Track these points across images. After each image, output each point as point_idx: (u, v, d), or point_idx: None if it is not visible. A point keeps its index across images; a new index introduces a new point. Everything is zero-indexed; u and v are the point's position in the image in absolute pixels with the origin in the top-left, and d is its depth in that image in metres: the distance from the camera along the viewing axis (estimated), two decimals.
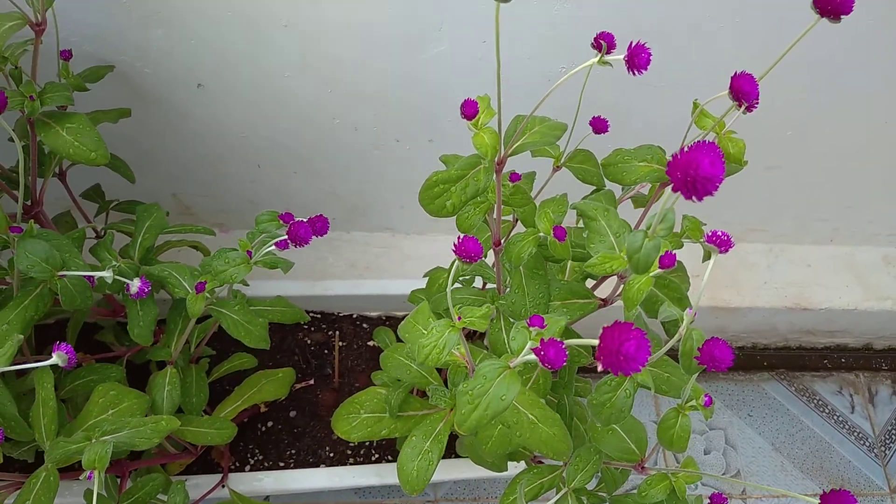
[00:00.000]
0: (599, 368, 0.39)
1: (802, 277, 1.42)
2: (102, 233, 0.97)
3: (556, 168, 0.86)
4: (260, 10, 0.89)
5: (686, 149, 0.40)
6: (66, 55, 0.85)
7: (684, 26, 0.97)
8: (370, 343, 1.24)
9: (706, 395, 0.64)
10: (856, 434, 1.49)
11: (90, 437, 0.71)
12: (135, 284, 0.73)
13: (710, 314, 1.40)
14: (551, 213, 0.67)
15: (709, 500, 0.79)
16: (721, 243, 0.55)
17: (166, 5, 0.88)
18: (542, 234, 0.67)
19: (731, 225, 1.38)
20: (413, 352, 0.65)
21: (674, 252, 0.57)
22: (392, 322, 1.26)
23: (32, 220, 0.72)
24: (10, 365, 0.64)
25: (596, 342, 0.40)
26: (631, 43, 0.57)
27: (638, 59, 0.55)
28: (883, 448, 1.48)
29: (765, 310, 1.40)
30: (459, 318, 0.59)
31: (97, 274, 0.71)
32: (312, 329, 1.23)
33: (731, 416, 1.48)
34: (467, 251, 0.53)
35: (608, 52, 0.77)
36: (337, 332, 1.22)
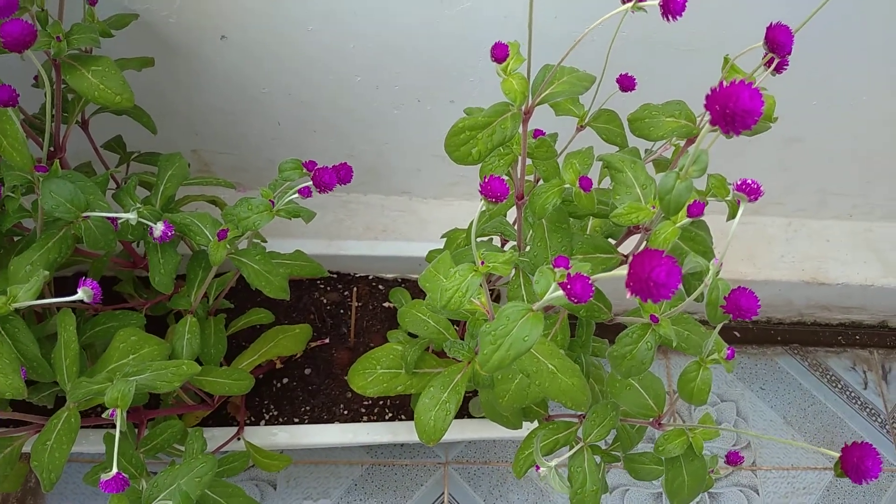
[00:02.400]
0: (629, 296, 0.39)
1: (820, 252, 1.41)
2: (124, 182, 0.97)
3: (581, 127, 0.85)
4: None
5: (714, 89, 0.40)
6: (92, 0, 0.85)
7: None
8: (385, 304, 1.24)
9: (729, 348, 0.64)
10: (868, 410, 1.49)
11: (112, 378, 0.72)
12: (158, 228, 0.73)
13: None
14: (577, 164, 0.66)
15: (725, 458, 0.80)
16: (751, 191, 0.54)
17: None
18: (567, 185, 0.67)
19: None
20: (434, 299, 0.65)
21: (703, 201, 0.56)
22: (408, 284, 1.26)
23: (58, 161, 0.72)
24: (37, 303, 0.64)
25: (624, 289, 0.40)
26: None
27: (674, 3, 0.55)
28: (895, 424, 1.48)
29: (781, 283, 1.39)
30: (483, 263, 0.59)
31: (121, 216, 0.71)
32: (328, 289, 1.24)
33: (743, 389, 1.48)
34: (493, 190, 0.53)
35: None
36: (354, 292, 1.22)
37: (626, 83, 0.80)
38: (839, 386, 1.51)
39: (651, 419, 0.75)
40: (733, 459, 0.77)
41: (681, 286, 0.68)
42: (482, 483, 1.34)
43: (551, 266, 0.52)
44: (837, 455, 0.59)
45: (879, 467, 0.57)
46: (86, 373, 0.79)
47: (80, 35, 0.75)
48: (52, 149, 0.87)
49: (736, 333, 1.54)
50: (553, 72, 0.65)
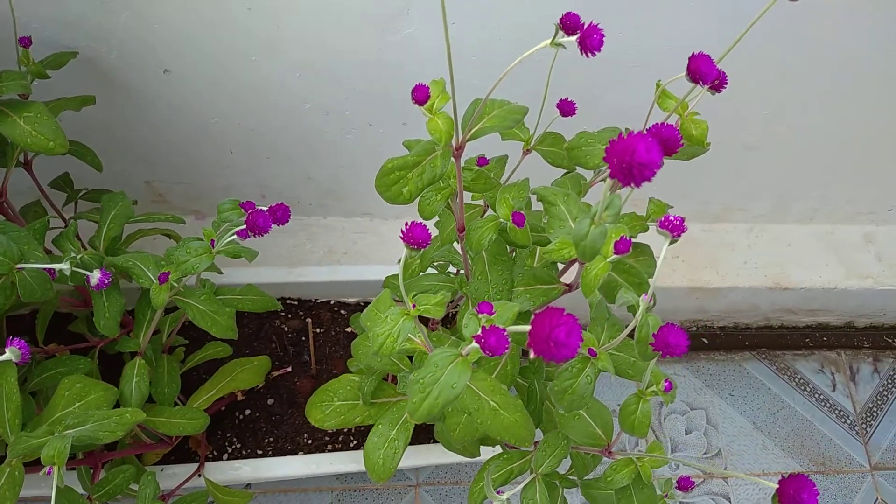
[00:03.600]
0: (531, 356, 0.38)
1: (783, 257, 1.41)
2: (66, 225, 0.96)
3: (527, 151, 0.85)
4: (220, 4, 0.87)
5: (622, 136, 0.40)
6: (25, 42, 0.84)
7: (658, 3, 0.95)
8: (348, 329, 1.24)
9: (666, 381, 0.63)
10: (837, 412, 1.50)
11: (53, 431, 0.71)
12: (95, 276, 0.72)
13: (690, 295, 1.40)
14: (511, 199, 0.66)
15: (676, 484, 0.80)
16: (673, 228, 0.54)
17: None
18: (502, 220, 0.67)
19: (711, 204, 1.37)
20: (372, 341, 0.64)
21: (629, 238, 0.56)
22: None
23: None
24: None
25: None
26: (582, 24, 0.56)
27: (590, 40, 0.54)
28: (864, 426, 1.49)
29: (745, 290, 1.40)
30: (414, 306, 0.59)
31: (56, 266, 0.70)
32: (290, 316, 1.23)
33: (712, 396, 1.48)
34: (414, 237, 0.52)
35: (569, 34, 0.76)
36: (311, 320, 1.21)
37: (565, 108, 0.80)
38: (808, 389, 1.51)
39: (601, 448, 0.75)
40: (684, 485, 0.77)
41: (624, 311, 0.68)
42: (453, 503, 1.33)
43: (475, 312, 0.52)
44: (775, 487, 0.59)
45: (816, 500, 0.57)
46: (31, 423, 0.78)
47: (9, 82, 0.74)
48: None
49: (704, 340, 1.54)
50: (482, 106, 0.65)
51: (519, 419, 0.66)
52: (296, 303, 1.24)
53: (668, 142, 0.60)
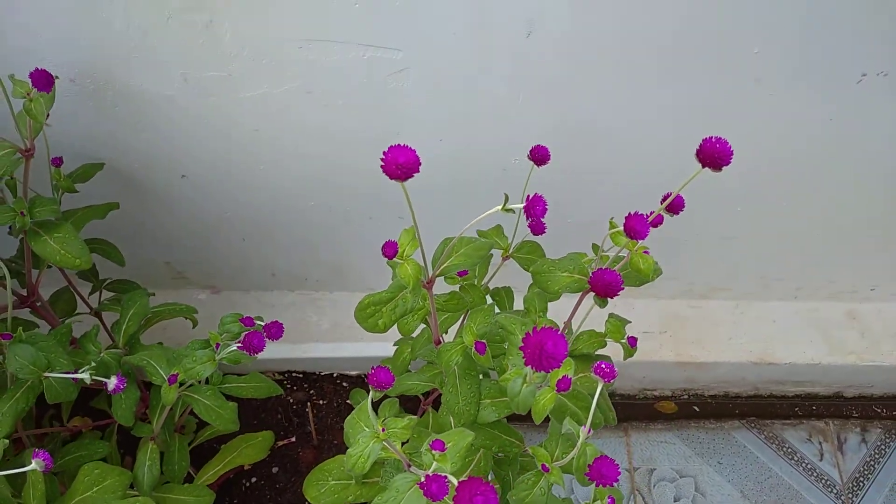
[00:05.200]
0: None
1: (767, 333, 1.48)
2: (95, 312, 1.06)
3: (505, 258, 0.94)
4: (230, 120, 0.98)
5: (535, 331, 0.48)
6: (57, 162, 0.95)
7: (627, 122, 1.04)
8: (349, 402, 1.32)
9: (610, 497, 0.71)
10: (824, 481, 1.54)
11: None
12: (111, 383, 0.82)
13: (678, 368, 1.47)
14: (475, 326, 0.75)
15: None
16: (605, 375, 0.62)
17: (145, 116, 0.97)
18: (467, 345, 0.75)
19: (696, 284, 1.44)
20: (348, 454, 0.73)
21: (570, 377, 0.64)
22: None
23: (21, 328, 0.81)
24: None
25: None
26: (528, 196, 0.64)
27: (534, 210, 0.63)
28: (850, 495, 1.53)
29: (731, 364, 1.46)
30: (384, 430, 0.67)
31: (78, 376, 0.80)
32: (294, 388, 1.32)
33: (701, 464, 1.54)
34: (379, 381, 0.61)
35: (541, 163, 0.85)
36: (312, 398, 1.30)
37: (536, 229, 0.88)
38: (795, 458, 1.56)
39: None
40: None
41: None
42: None
43: (429, 447, 0.60)
44: None
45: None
46: (56, 502, 0.88)
47: (42, 208, 0.84)
48: (24, 293, 0.97)
49: (695, 408, 1.60)
50: (451, 245, 0.74)
51: None
52: (300, 376, 1.33)
53: (611, 284, 0.69)
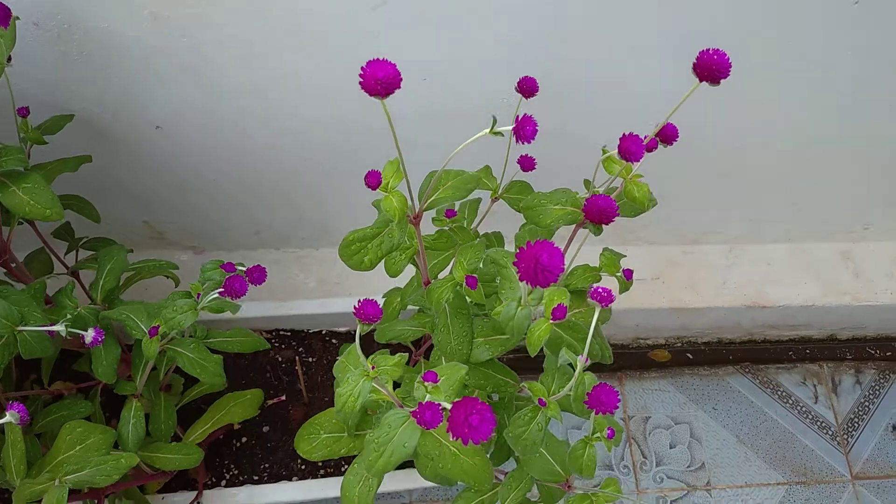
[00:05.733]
0: (451, 439, 0.44)
1: (761, 276, 1.46)
2: (71, 271, 1.02)
3: (494, 199, 0.90)
4: (206, 64, 0.93)
5: (529, 244, 0.45)
6: (23, 112, 0.90)
7: (625, 50, 1.00)
8: (339, 358, 1.30)
9: (609, 429, 0.69)
10: (819, 423, 1.54)
11: (55, 476, 0.78)
12: (89, 335, 0.79)
13: (672, 314, 1.45)
14: (466, 262, 0.72)
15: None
16: (602, 299, 0.59)
17: (115, 61, 0.93)
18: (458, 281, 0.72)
19: (688, 227, 1.42)
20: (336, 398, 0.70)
21: (565, 304, 0.62)
22: None
23: None
24: None
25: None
26: (518, 116, 0.61)
27: (524, 130, 0.60)
28: (845, 436, 1.53)
29: (725, 309, 1.44)
30: (374, 367, 0.65)
31: (53, 328, 0.77)
32: (283, 346, 1.29)
33: (696, 410, 1.53)
34: (366, 314, 0.58)
35: (529, 96, 0.81)
36: (300, 355, 1.28)
37: (526, 164, 0.85)
38: (790, 401, 1.56)
39: (561, 483, 0.80)
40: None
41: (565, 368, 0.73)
42: None
43: (422, 380, 0.58)
44: None
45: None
46: (36, 465, 0.85)
47: (8, 157, 0.80)
48: None
49: (689, 355, 1.59)
50: (437, 178, 0.70)
51: (478, 462, 0.72)
52: (288, 333, 1.30)
53: (606, 210, 0.66)
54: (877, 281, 1.47)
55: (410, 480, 1.15)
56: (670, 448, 1.49)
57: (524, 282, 0.45)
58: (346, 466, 1.20)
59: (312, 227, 1.33)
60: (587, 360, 0.62)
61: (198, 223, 1.30)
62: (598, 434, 0.69)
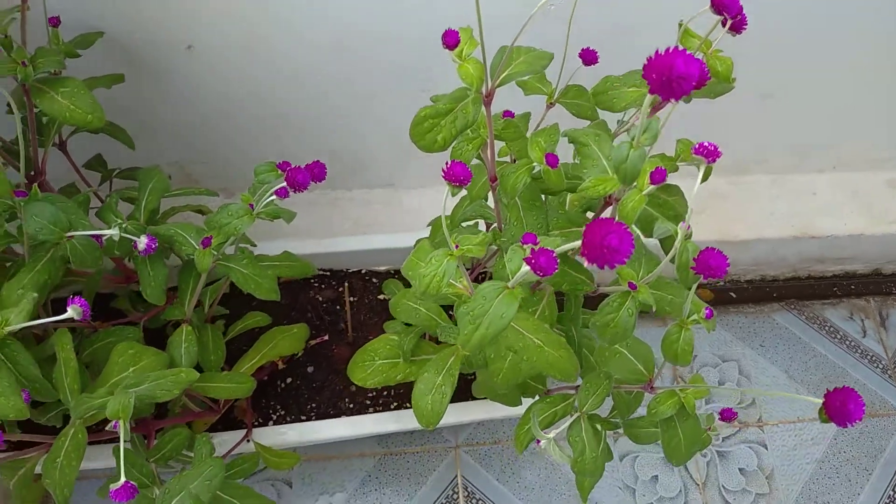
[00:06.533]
0: (585, 264, 0.40)
1: (808, 206, 1.42)
2: (106, 199, 0.98)
3: (550, 105, 0.86)
4: None
5: (657, 53, 0.41)
6: (54, 22, 0.86)
7: None
8: (380, 297, 1.26)
9: (707, 308, 0.65)
10: (869, 357, 1.50)
11: (112, 392, 0.74)
12: (142, 241, 0.75)
13: (719, 247, 1.40)
14: (543, 142, 0.67)
15: (719, 415, 0.81)
16: (708, 154, 0.55)
17: None
18: (535, 164, 0.68)
19: (735, 157, 1.37)
20: (415, 276, 0.66)
21: (664, 168, 0.57)
22: (401, 275, 1.27)
23: (37, 185, 0.73)
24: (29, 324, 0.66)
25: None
26: None
27: None
28: None
29: (772, 240, 1.40)
30: (457, 247, 0.61)
31: (104, 233, 0.73)
32: (323, 286, 1.25)
33: (743, 348, 1.49)
34: (455, 175, 0.54)
35: None
36: (348, 287, 1.24)
37: (588, 57, 0.81)
38: (838, 336, 1.52)
39: (643, 384, 0.76)
40: (727, 416, 0.78)
41: (659, 250, 0.69)
42: (494, 463, 1.35)
43: (521, 244, 0.54)
44: (820, 401, 0.61)
45: (862, 410, 0.59)
46: (87, 389, 0.81)
47: (45, 59, 0.76)
48: (32, 173, 0.89)
49: (732, 294, 1.55)
50: (509, 52, 0.66)
51: (564, 355, 0.68)
52: (328, 273, 1.26)
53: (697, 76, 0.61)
54: None
55: (461, 413, 1.11)
56: (719, 385, 1.45)
57: (653, 95, 0.41)
58: (395, 404, 1.16)
59: (346, 163, 1.29)
60: (689, 227, 0.58)
61: (227, 164, 1.26)
62: (694, 316, 0.65)
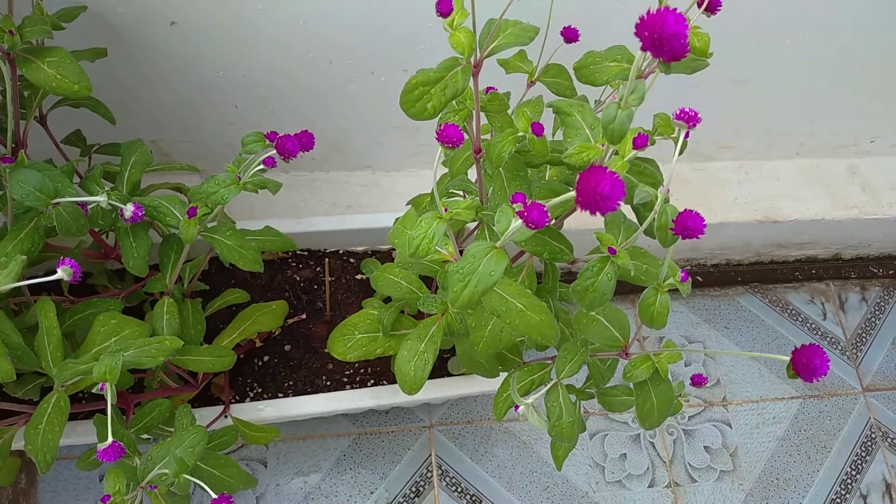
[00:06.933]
0: (579, 211, 0.42)
1: (772, 191, 1.46)
2: (88, 172, 0.98)
3: (531, 83, 0.88)
4: None
5: (649, 12, 0.43)
6: None
7: None
8: (358, 277, 1.27)
9: (683, 271, 0.68)
10: (829, 339, 1.56)
11: (97, 358, 0.74)
12: (128, 209, 0.75)
13: None
14: (528, 112, 0.70)
15: (690, 380, 0.84)
16: (689, 119, 0.58)
17: None
18: (521, 133, 0.70)
19: (702, 143, 1.41)
20: (403, 251, 0.68)
21: (646, 134, 0.60)
22: (378, 256, 1.29)
23: (23, 152, 0.73)
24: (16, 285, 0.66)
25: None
26: None
27: None
28: (854, 351, 1.55)
29: (737, 225, 1.44)
30: (446, 210, 0.62)
31: (92, 199, 0.73)
32: (301, 266, 1.26)
33: (708, 330, 1.54)
34: (448, 136, 0.56)
35: None
36: (326, 266, 1.25)
37: (569, 35, 0.83)
38: (800, 319, 1.57)
39: (618, 350, 0.79)
40: (697, 381, 0.81)
41: (633, 218, 0.72)
42: (467, 441, 1.38)
43: (509, 203, 0.56)
44: (787, 359, 0.64)
45: (827, 366, 0.62)
46: (70, 357, 0.81)
47: (32, 28, 0.76)
48: (13, 145, 0.88)
49: (699, 278, 1.60)
50: (497, 25, 0.68)
51: (545, 319, 0.70)
52: (306, 253, 1.27)
53: (676, 36, 0.64)
54: (882, 194, 1.49)
55: (438, 389, 1.13)
56: (686, 366, 1.50)
57: (643, 53, 0.43)
58: (372, 381, 1.18)
59: (322, 144, 1.30)
60: (668, 190, 0.61)
61: (206, 142, 1.26)
62: (670, 279, 0.67)
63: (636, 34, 0.44)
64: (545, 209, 0.49)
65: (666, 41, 0.43)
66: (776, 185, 1.47)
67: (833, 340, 1.55)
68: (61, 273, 0.61)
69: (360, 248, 1.30)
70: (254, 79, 1.12)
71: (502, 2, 0.65)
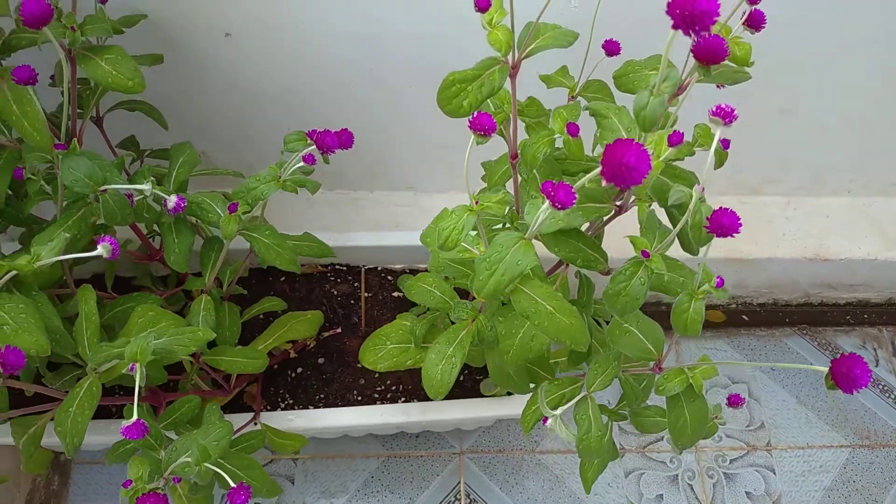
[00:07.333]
0: (604, 184, 0.42)
1: (821, 228, 1.43)
2: (136, 172, 1.01)
3: (572, 98, 0.89)
4: None
5: None
6: None
7: None
8: (395, 294, 1.27)
9: (718, 277, 0.66)
10: (881, 387, 1.49)
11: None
12: (172, 200, 0.77)
13: (730, 266, 1.42)
14: (565, 113, 0.70)
15: (727, 401, 0.81)
16: (725, 115, 0.57)
17: None
18: (556, 135, 0.70)
19: (747, 174, 1.39)
20: (433, 244, 0.68)
21: (681, 132, 0.59)
22: (416, 274, 1.29)
23: (75, 140, 0.76)
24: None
25: None
26: None
27: None
28: None
29: (784, 261, 1.41)
30: (477, 203, 0.63)
31: (137, 187, 0.75)
32: (339, 280, 1.27)
33: (753, 370, 1.49)
34: (481, 124, 0.56)
35: None
36: (363, 282, 1.26)
37: (611, 48, 0.83)
38: None
39: (651, 364, 0.77)
40: (734, 401, 0.78)
41: (668, 223, 0.71)
42: (498, 471, 1.35)
43: (538, 190, 0.55)
44: (826, 369, 0.61)
45: (868, 376, 0.60)
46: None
47: (93, 25, 0.80)
48: (68, 138, 0.92)
49: (744, 317, 1.55)
50: (535, 27, 0.69)
51: (575, 322, 0.69)
52: (344, 268, 1.28)
53: (715, 50, 0.64)
54: None
55: (468, 409, 1.11)
56: (727, 407, 1.44)
57: (673, 31, 0.43)
58: (403, 399, 1.17)
59: (364, 163, 1.32)
60: (703, 189, 0.60)
61: (251, 157, 1.29)
62: (705, 285, 0.66)
63: (667, 12, 0.44)
64: (572, 190, 0.48)
65: (698, 18, 0.43)
66: (825, 221, 1.43)
67: (886, 388, 1.49)
68: (101, 250, 0.63)
69: (397, 266, 1.30)
70: (298, 93, 1.16)
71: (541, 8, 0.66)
